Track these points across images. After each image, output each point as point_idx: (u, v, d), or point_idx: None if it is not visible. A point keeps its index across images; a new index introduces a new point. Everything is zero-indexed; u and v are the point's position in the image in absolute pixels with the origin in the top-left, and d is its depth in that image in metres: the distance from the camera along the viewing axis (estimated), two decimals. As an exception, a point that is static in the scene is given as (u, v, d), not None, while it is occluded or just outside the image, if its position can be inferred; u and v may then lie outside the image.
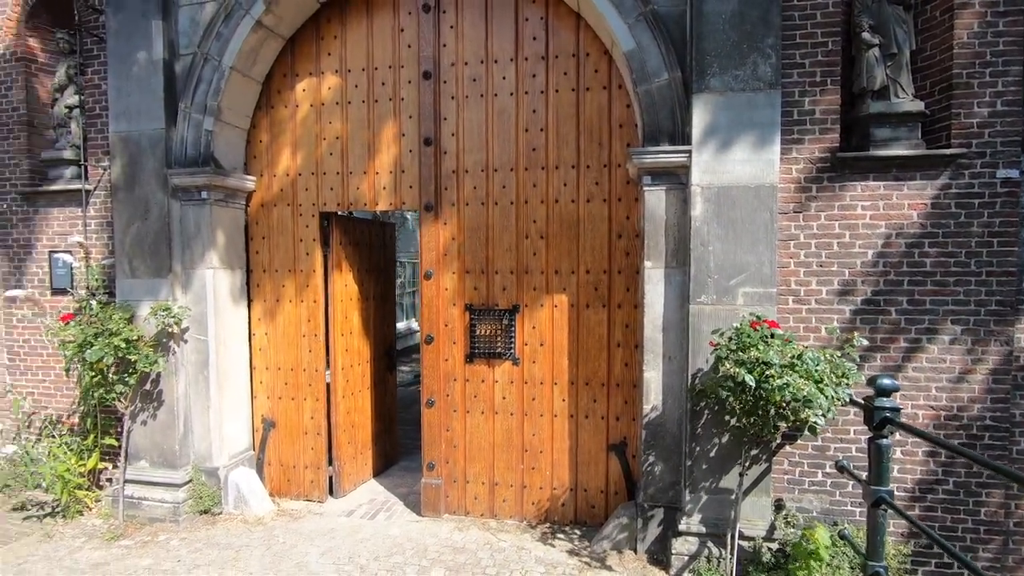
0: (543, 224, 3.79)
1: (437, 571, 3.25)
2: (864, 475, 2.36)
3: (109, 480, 4.18)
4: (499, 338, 3.86)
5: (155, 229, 3.84)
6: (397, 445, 5.17)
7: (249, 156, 4.21)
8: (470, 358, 3.90)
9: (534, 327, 3.82)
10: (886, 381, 2.21)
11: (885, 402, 2.18)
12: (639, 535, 3.42)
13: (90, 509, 4.00)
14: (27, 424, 3.91)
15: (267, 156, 4.20)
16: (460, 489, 3.98)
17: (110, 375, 3.62)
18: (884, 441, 2.19)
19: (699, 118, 3.14)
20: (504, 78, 3.81)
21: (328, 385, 4.22)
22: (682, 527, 3.21)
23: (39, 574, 3.23)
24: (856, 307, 3.22)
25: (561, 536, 3.69)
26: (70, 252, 4.15)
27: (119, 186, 3.90)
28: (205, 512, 3.94)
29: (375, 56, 4.00)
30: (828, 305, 3.24)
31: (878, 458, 2.20)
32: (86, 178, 4.17)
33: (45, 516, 3.94)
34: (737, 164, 3.10)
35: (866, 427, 2.30)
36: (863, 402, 2.31)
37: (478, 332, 3.89)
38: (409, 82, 3.95)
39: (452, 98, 3.88)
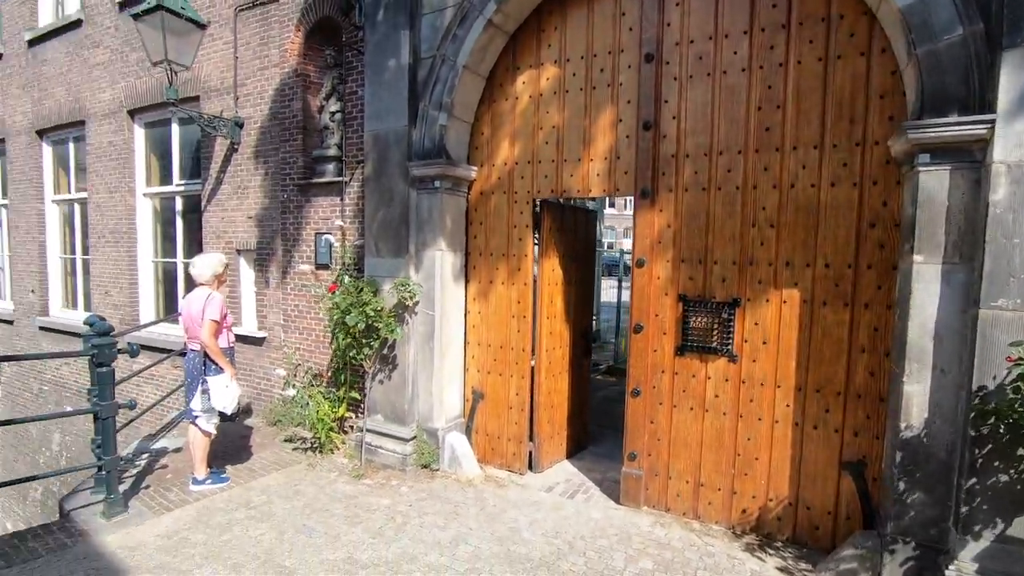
0: (773, 211, 3.45)
1: (645, 562, 3.21)
2: None
3: (351, 427, 4.95)
4: (714, 332, 3.64)
5: (396, 214, 4.39)
6: (588, 429, 5.24)
7: (471, 148, 4.57)
8: (680, 351, 3.76)
9: (756, 323, 3.52)
10: None
11: None
12: (882, 570, 2.96)
13: (338, 449, 4.79)
14: (293, 374, 4.80)
15: (487, 148, 4.51)
16: (661, 483, 3.88)
17: (360, 339, 4.26)
18: None
19: (1010, 80, 2.54)
20: (735, 53, 3.53)
21: (532, 365, 4.44)
22: (951, 574, 2.69)
23: (309, 495, 3.95)
24: None
25: (773, 552, 3.38)
26: (331, 234, 4.96)
27: (370, 177, 4.53)
28: (425, 467, 4.43)
29: (594, 44, 4.02)
30: None
31: None
32: (344, 172, 4.93)
33: (307, 449, 4.81)
34: (1065, 135, 2.45)
35: None
36: None
37: (691, 324, 3.71)
38: (628, 66, 3.89)
39: (674, 79, 3.72)
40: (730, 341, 3.59)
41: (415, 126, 4.35)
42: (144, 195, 6.86)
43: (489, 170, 4.50)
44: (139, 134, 6.84)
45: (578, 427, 5.04)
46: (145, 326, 5.46)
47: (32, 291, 8.29)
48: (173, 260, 6.76)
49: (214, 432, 3.96)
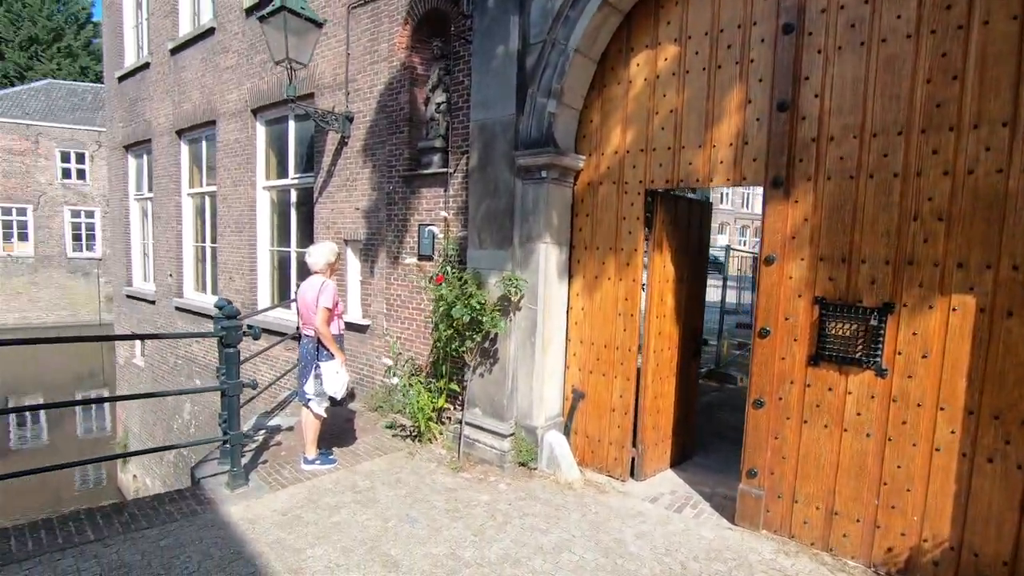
0: (943, 202, 2.93)
1: (771, 595, 2.88)
2: None
3: (448, 419, 4.97)
4: (859, 341, 3.18)
5: (501, 206, 4.30)
6: (694, 438, 4.89)
7: (579, 136, 4.36)
8: (814, 360, 3.33)
9: (915, 333, 3.02)
10: None
11: None
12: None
13: (436, 439, 4.82)
14: (396, 363, 4.89)
15: (596, 135, 4.28)
16: (785, 507, 3.48)
17: (463, 331, 4.23)
18: None
19: None
20: (899, 17, 3.02)
21: (638, 366, 4.18)
22: None
23: (411, 484, 3.98)
24: None
25: (929, 601, 2.89)
26: (434, 225, 4.98)
27: (474, 168, 4.47)
28: (522, 464, 4.33)
29: (721, 17, 3.65)
30: None
31: None
32: (448, 163, 4.92)
33: (406, 437, 4.88)
34: None
35: None
36: None
37: (829, 331, 3.27)
38: (762, 40, 3.48)
39: (818, 52, 3.27)
40: (878, 352, 3.11)
41: (522, 114, 4.22)
42: (263, 188, 7.36)
43: (598, 159, 4.28)
44: (260, 131, 7.34)
45: (684, 435, 4.70)
46: (264, 311, 5.84)
47: (170, 275, 9.26)
48: (287, 249, 7.20)
49: (324, 415, 4.11)
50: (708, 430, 5.45)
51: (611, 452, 4.32)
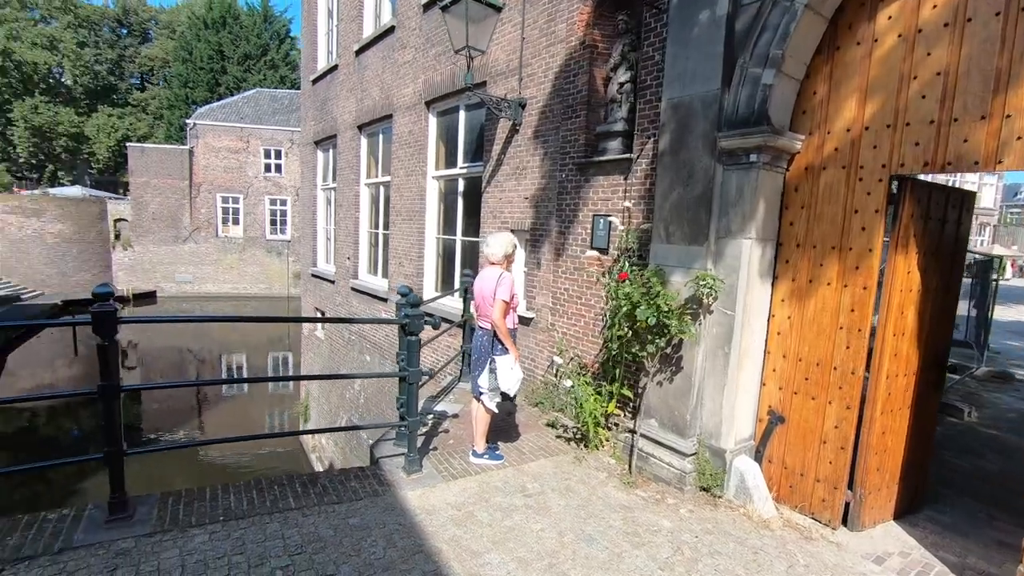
0: None
1: None
2: None
3: (615, 425, 4.61)
4: None
5: (696, 195, 3.78)
6: (926, 486, 3.93)
7: (796, 112, 3.66)
8: None
9: None
10: None
11: None
12: None
13: (603, 445, 4.49)
14: (564, 360, 4.64)
15: (821, 110, 3.54)
16: (1100, 609, 2.54)
17: (644, 334, 3.82)
18: None
19: None
20: None
21: (863, 393, 3.40)
22: None
23: (582, 495, 3.70)
24: None
25: None
26: (611, 216, 4.62)
27: (664, 152, 4.00)
28: (705, 490, 3.82)
29: (1031, -59, 2.72)
30: None
31: None
32: (632, 148, 4.51)
33: (570, 439, 4.63)
34: None
35: None
36: None
37: None
38: (1106, -35, 2.51)
39: None
40: None
41: (727, 90, 3.64)
42: (433, 177, 7.62)
43: (821, 139, 3.54)
44: (432, 122, 7.59)
45: (915, 481, 3.79)
46: (434, 299, 5.98)
47: (348, 258, 10.15)
48: (452, 237, 7.39)
49: (496, 410, 4.01)
50: (943, 474, 4.39)
51: (818, 491, 3.61)
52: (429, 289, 7.72)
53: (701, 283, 3.60)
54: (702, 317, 3.77)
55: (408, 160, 8.02)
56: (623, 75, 4.62)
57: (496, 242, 3.93)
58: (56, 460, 3.97)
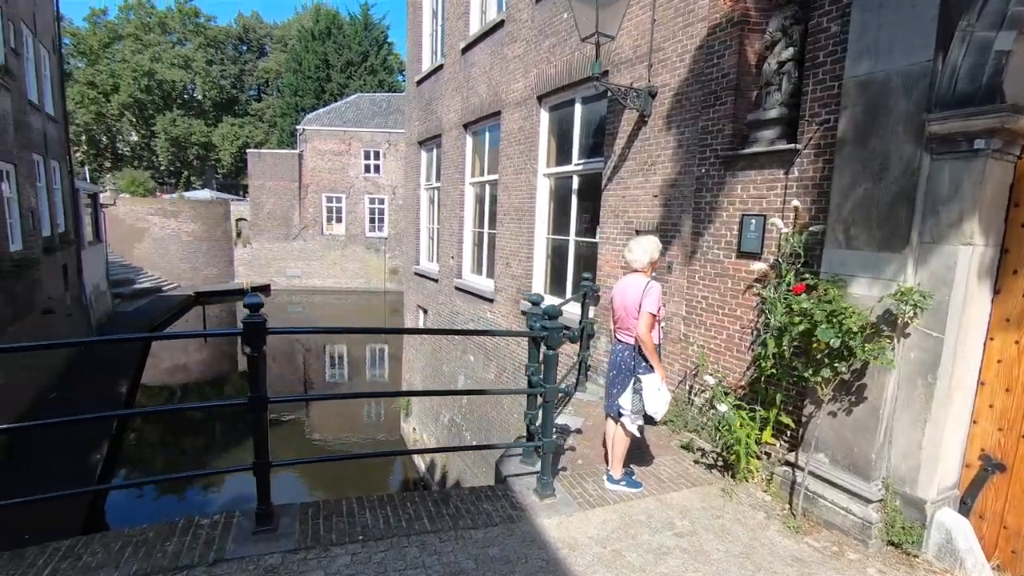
0: None
1: None
2: None
3: (767, 455, 4.04)
4: None
5: (892, 191, 3.13)
6: None
7: (1036, 84, 2.91)
8: None
9: None
10: None
11: None
12: None
13: (753, 476, 3.95)
14: (716, 382, 4.13)
15: (1076, 80, 2.78)
16: None
17: (821, 356, 3.24)
18: None
19: None
20: None
21: None
22: None
23: (742, 540, 3.22)
24: None
25: None
26: (765, 215, 4.04)
27: (845, 140, 3.38)
28: (894, 545, 3.18)
29: None
30: None
31: None
32: (794, 138, 3.90)
33: (711, 466, 4.14)
34: None
35: None
36: None
37: None
38: None
39: None
40: None
41: (942, 61, 2.96)
42: (544, 175, 7.32)
43: (1075, 117, 2.78)
44: (544, 118, 7.29)
45: None
46: (561, 305, 5.67)
47: (452, 257, 10.17)
48: (564, 237, 7.05)
49: (637, 434, 3.63)
50: None
51: (1060, 563, 2.87)
52: (538, 291, 7.44)
53: (901, 299, 2.97)
54: (896, 339, 3.13)
55: (517, 158, 7.79)
56: (784, 52, 4.00)
57: (640, 247, 3.53)
58: (206, 470, 4.12)
